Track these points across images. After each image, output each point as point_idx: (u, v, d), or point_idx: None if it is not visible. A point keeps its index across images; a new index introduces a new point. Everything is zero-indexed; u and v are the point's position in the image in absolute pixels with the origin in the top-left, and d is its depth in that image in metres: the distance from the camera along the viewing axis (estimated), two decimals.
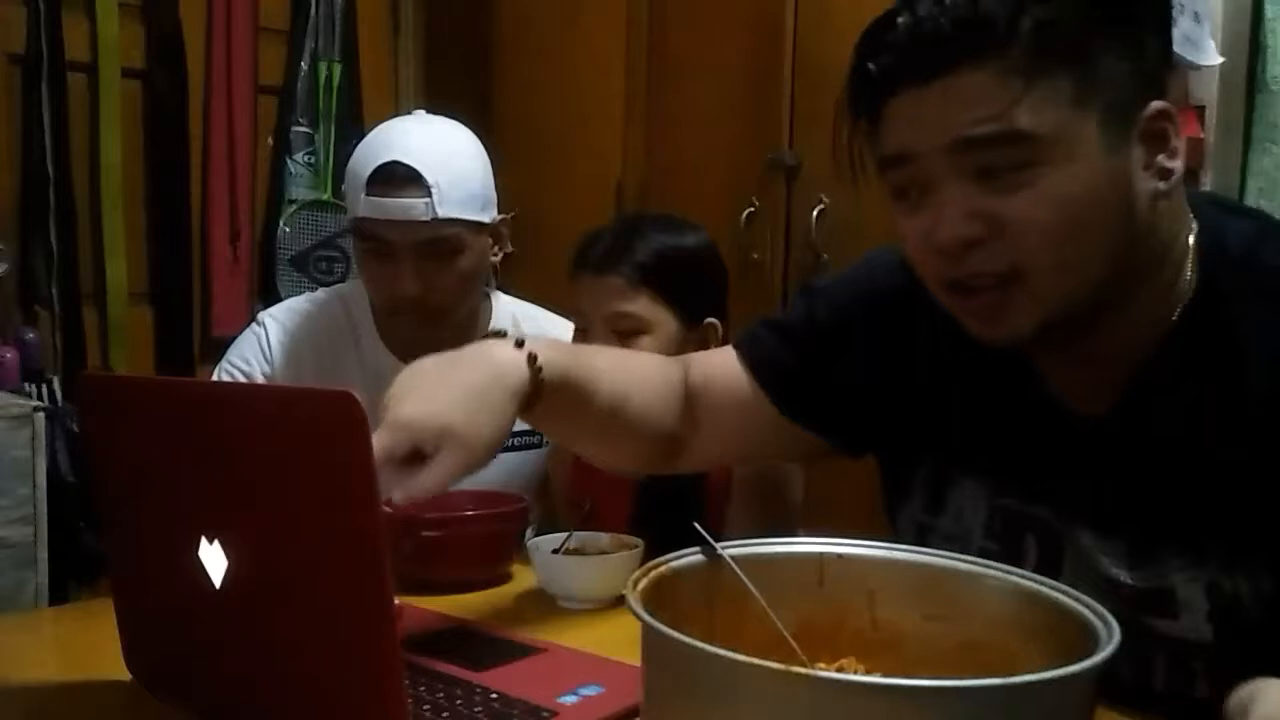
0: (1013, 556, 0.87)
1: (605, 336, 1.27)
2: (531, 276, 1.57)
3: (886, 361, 0.95)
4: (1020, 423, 0.87)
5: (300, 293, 1.64)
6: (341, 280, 2.54)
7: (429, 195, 1.33)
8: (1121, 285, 0.78)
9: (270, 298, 2.62)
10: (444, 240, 1.36)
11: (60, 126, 2.33)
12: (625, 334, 1.26)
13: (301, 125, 2.70)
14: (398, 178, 1.33)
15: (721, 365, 1.00)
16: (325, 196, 2.71)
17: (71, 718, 0.83)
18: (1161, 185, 0.76)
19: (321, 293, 1.55)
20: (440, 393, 0.79)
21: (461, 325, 1.48)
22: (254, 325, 1.50)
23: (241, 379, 1.45)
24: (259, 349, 1.47)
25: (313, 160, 2.71)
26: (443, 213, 1.33)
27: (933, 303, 0.89)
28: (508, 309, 1.56)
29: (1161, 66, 0.77)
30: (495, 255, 1.47)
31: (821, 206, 1.93)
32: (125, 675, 0.85)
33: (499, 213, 1.44)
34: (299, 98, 2.69)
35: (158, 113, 2.50)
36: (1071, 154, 0.73)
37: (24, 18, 2.29)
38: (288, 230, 2.67)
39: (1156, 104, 0.75)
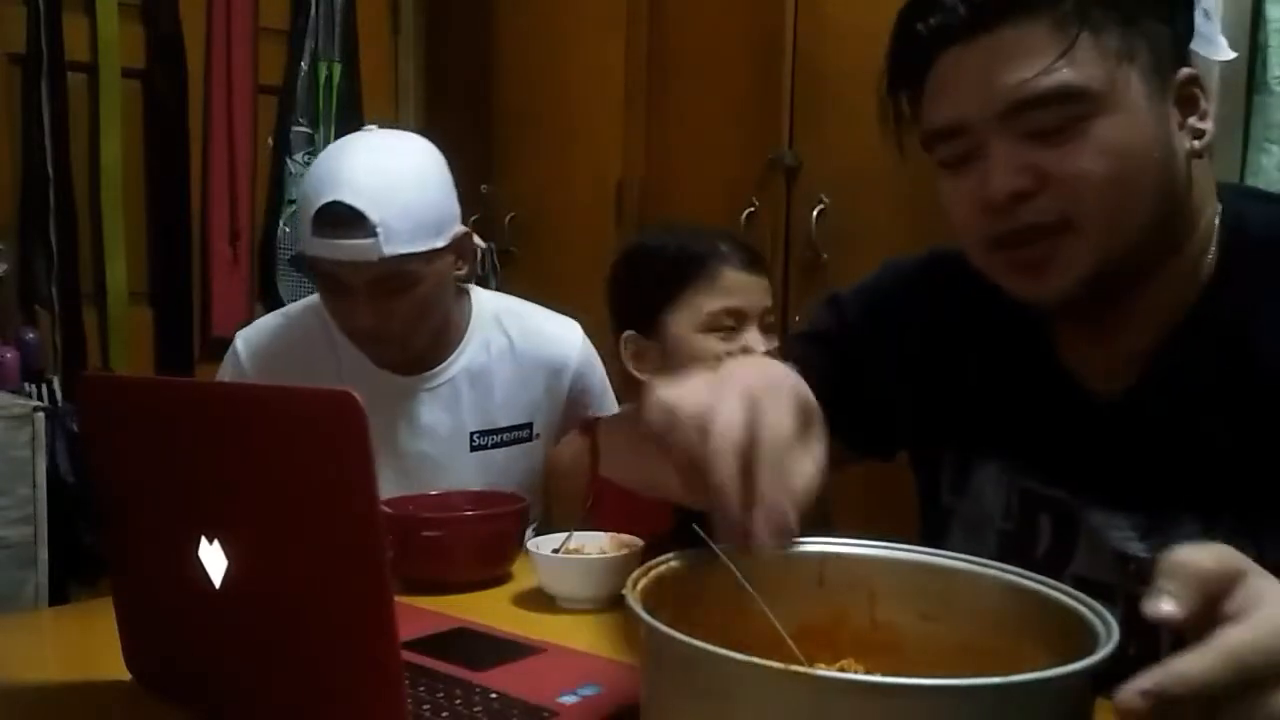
0: (1028, 537, 0.89)
1: (757, 334, 1.33)
2: (531, 275, 1.57)
3: (913, 358, 0.96)
4: (1038, 404, 0.89)
5: (300, 293, 1.65)
6: None
7: (374, 235, 1.28)
8: (1155, 252, 0.79)
9: (270, 298, 2.63)
10: (395, 276, 1.32)
11: (60, 126, 2.33)
12: (771, 332, 1.34)
13: (301, 125, 2.70)
14: (342, 219, 1.28)
15: None
16: None
17: (71, 718, 0.83)
18: (1196, 144, 0.79)
19: (295, 305, 1.55)
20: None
21: (436, 333, 1.46)
22: (229, 354, 1.50)
23: None
24: (235, 374, 1.48)
25: (312, 160, 2.71)
26: (389, 251, 1.29)
27: (953, 291, 0.89)
28: (489, 306, 1.54)
29: (1187, 39, 0.80)
30: (459, 269, 1.44)
31: (821, 206, 1.93)
32: (125, 675, 0.85)
33: (464, 225, 1.41)
34: (299, 98, 2.69)
35: (158, 113, 2.50)
36: (1119, 105, 0.74)
37: (24, 18, 2.29)
38: (288, 230, 2.67)
39: (1186, 70, 0.78)
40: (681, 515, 1.32)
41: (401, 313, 1.36)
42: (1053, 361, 0.88)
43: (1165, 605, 0.50)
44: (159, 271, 2.53)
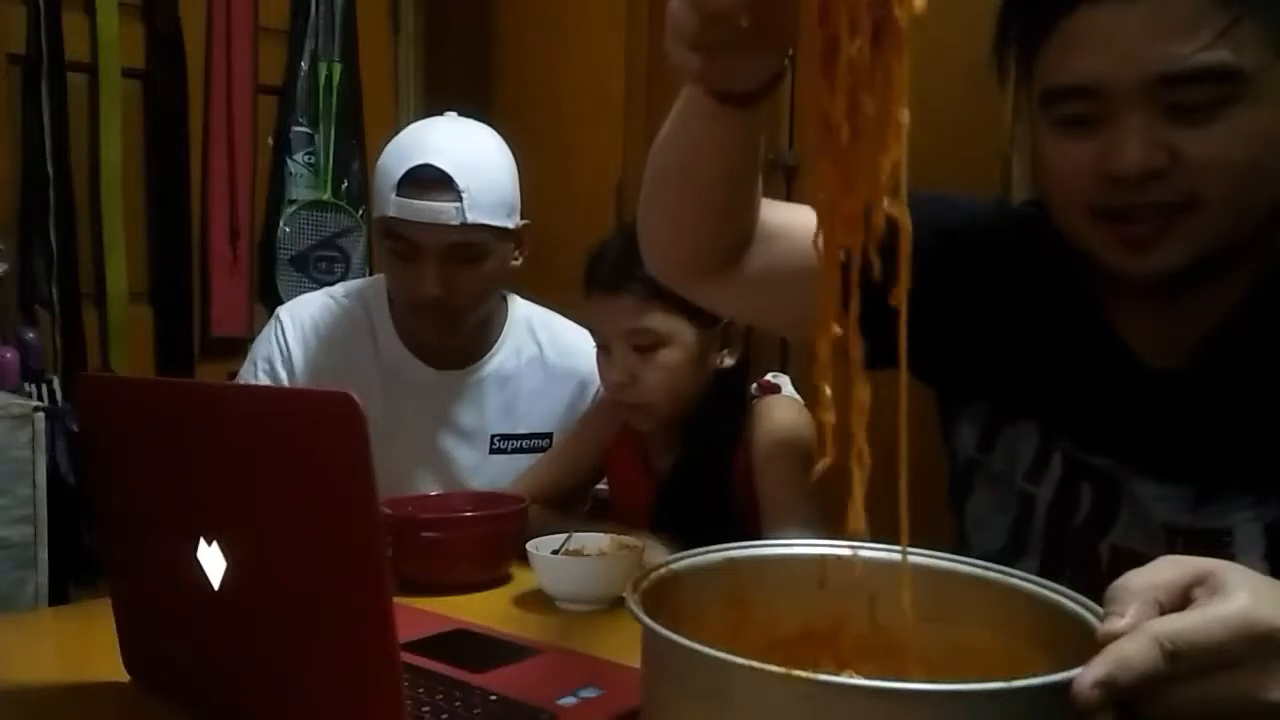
0: (1067, 504, 0.88)
1: (624, 352, 1.27)
2: (531, 277, 1.57)
3: (950, 298, 0.91)
4: (1087, 371, 0.87)
5: (300, 293, 1.65)
6: (342, 280, 2.55)
7: (459, 200, 1.34)
8: (1256, 238, 0.77)
9: (270, 298, 2.63)
10: (471, 245, 1.37)
11: (60, 126, 2.33)
12: (644, 349, 1.26)
13: (301, 125, 2.70)
14: (429, 180, 1.34)
15: (801, 225, 0.91)
16: (325, 196, 2.71)
17: (71, 718, 0.83)
18: None
19: (340, 288, 1.57)
20: None
21: (477, 328, 1.50)
22: (271, 322, 1.52)
23: (265, 380, 1.47)
24: (276, 346, 1.49)
25: (313, 160, 2.71)
26: (472, 218, 1.35)
27: (1009, 248, 0.89)
28: (523, 313, 1.57)
29: None
30: (516, 260, 1.48)
31: None
32: (125, 675, 0.85)
33: (520, 219, 1.46)
34: (299, 98, 2.69)
35: (158, 113, 2.50)
36: (1264, 95, 0.72)
37: (24, 18, 2.29)
38: (288, 230, 2.67)
39: None
40: (661, 495, 1.34)
41: (465, 286, 1.40)
42: (1105, 330, 0.87)
43: (1114, 624, 0.51)
44: (159, 271, 2.52)
